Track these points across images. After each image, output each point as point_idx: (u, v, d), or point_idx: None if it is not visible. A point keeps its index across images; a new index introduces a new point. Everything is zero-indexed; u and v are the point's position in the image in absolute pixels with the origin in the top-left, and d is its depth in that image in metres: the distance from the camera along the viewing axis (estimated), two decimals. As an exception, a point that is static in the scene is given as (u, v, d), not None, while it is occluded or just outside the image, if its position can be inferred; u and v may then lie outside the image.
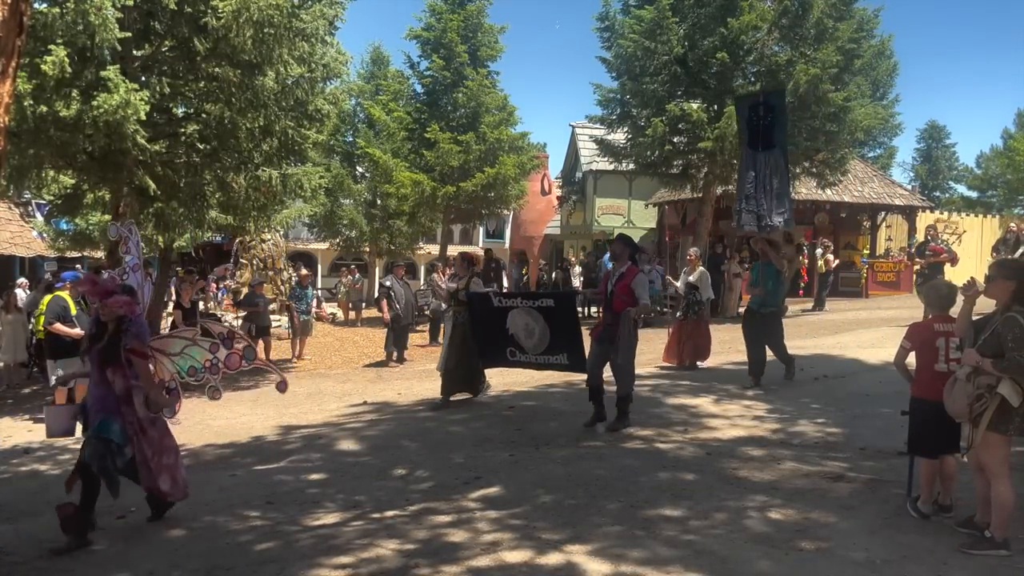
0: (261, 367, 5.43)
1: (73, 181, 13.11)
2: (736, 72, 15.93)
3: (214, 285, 21.04)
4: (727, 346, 11.40)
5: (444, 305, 9.14)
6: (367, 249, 26.39)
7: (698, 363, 10.23)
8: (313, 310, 15.25)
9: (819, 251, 18.49)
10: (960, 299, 4.42)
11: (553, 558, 4.12)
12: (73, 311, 9.10)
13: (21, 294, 14.49)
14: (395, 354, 13.25)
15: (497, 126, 19.80)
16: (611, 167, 21.82)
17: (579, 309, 10.72)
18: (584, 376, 7.34)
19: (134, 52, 10.77)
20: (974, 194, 47.25)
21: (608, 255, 17.20)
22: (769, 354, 8.71)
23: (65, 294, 9.25)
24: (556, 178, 31.17)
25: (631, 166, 19.15)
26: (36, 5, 8.94)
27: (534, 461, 6.14)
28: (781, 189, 9.26)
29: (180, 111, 11.74)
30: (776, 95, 10.04)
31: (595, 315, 12.09)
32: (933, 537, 4.29)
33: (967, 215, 26.20)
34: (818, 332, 13.39)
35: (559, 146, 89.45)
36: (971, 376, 4.08)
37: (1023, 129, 42.76)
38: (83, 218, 18.08)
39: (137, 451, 4.84)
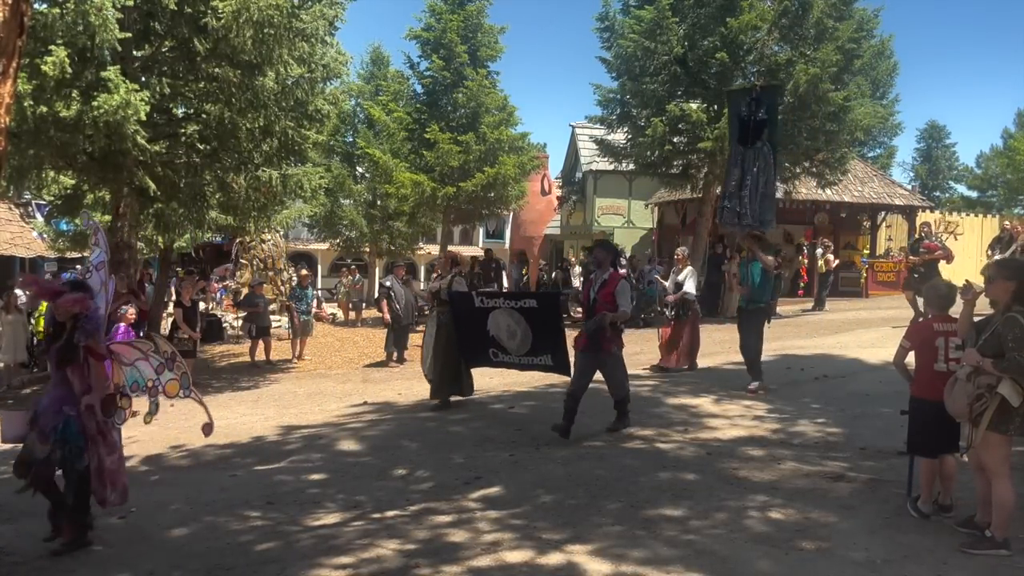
0: (195, 400, 5.21)
1: (73, 182, 13.12)
2: (736, 72, 15.93)
3: (215, 285, 21.02)
4: (727, 346, 11.40)
5: (428, 306, 9.04)
6: (367, 249, 26.40)
7: (696, 363, 10.18)
8: (313, 310, 15.25)
9: (819, 251, 18.48)
10: (960, 301, 4.42)
11: (554, 558, 4.12)
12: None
13: (21, 295, 14.50)
14: (395, 354, 13.24)
15: (497, 126, 19.80)
16: (611, 167, 21.82)
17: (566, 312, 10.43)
18: (568, 378, 7.22)
19: (134, 52, 10.78)
20: (974, 194, 47.29)
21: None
22: (768, 354, 8.68)
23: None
24: (556, 178, 31.18)
25: (631, 166, 19.15)
26: (36, 6, 8.94)
27: (534, 461, 6.14)
28: (767, 189, 9.06)
29: (180, 111, 11.75)
30: (770, 91, 9.84)
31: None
32: (933, 537, 4.30)
33: (967, 215, 26.21)
34: (818, 332, 13.39)
35: (559, 146, 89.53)
36: (971, 376, 4.08)
37: (1023, 129, 42.76)
38: (83, 219, 18.06)
39: (94, 457, 4.66)
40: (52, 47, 8.94)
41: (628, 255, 18.10)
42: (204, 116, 10.79)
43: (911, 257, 12.85)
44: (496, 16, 57.73)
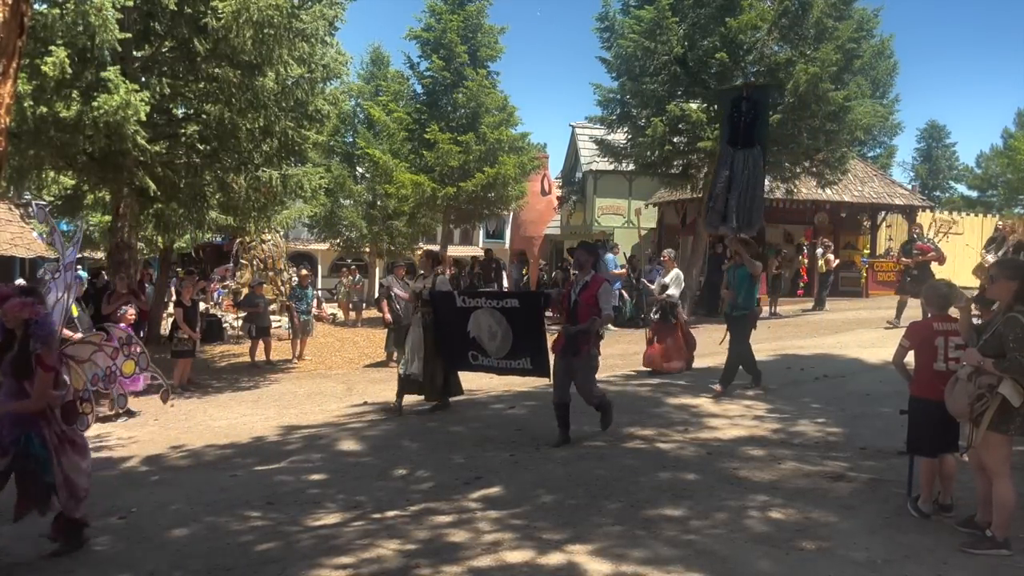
0: (153, 374, 5.14)
1: (73, 182, 13.13)
2: (736, 72, 15.92)
3: (217, 285, 21.02)
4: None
5: (411, 307, 8.78)
6: (367, 249, 26.40)
7: (679, 365, 10.01)
8: (313, 310, 15.25)
9: (819, 251, 18.48)
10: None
11: (554, 558, 4.12)
12: (75, 312, 9.10)
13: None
14: (395, 354, 13.18)
15: (497, 126, 19.80)
16: (611, 167, 21.81)
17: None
18: (547, 381, 7.13)
19: (134, 53, 10.79)
20: (974, 194, 47.26)
21: (608, 255, 17.23)
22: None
23: (66, 295, 9.24)
24: (556, 178, 31.16)
25: (631, 166, 19.14)
26: (36, 6, 8.96)
27: (535, 461, 6.14)
28: (756, 191, 8.86)
29: (180, 112, 11.77)
30: (760, 91, 9.64)
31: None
32: (933, 536, 4.30)
33: (967, 214, 26.21)
34: (818, 332, 13.39)
35: (559, 146, 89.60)
36: (972, 376, 4.08)
37: (1023, 128, 42.77)
38: (83, 219, 18.09)
39: (58, 471, 4.46)
40: (52, 47, 8.95)
41: (629, 255, 18.06)
42: (204, 116, 10.80)
43: (904, 259, 12.89)
44: (496, 16, 57.83)
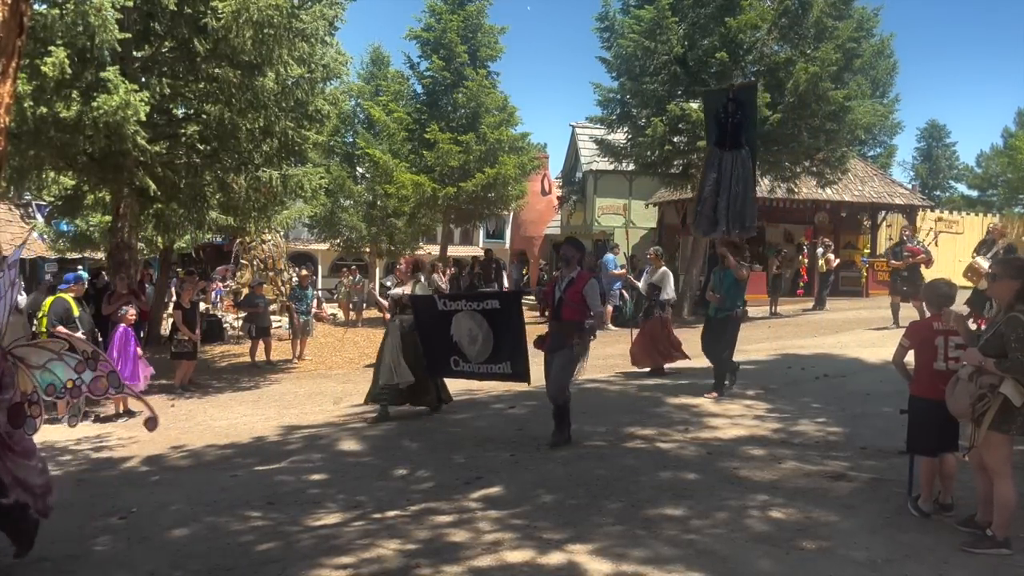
0: (131, 396, 4.77)
1: (73, 182, 13.13)
2: (736, 72, 15.92)
3: (217, 285, 21.03)
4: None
5: (389, 315, 8.65)
6: (367, 250, 26.39)
7: (665, 364, 9.85)
8: (313, 310, 15.25)
9: (820, 250, 18.48)
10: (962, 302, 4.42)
11: (555, 558, 4.12)
12: (76, 312, 9.11)
13: (21, 297, 14.48)
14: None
15: (497, 126, 19.80)
16: (611, 167, 21.81)
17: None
18: (527, 386, 7.05)
19: (134, 53, 10.79)
20: (974, 193, 47.26)
21: (609, 255, 17.24)
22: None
23: (68, 296, 9.25)
24: (556, 178, 31.15)
25: (631, 166, 19.15)
26: (36, 6, 8.96)
27: (535, 461, 6.14)
28: (746, 194, 8.67)
29: (180, 112, 11.77)
30: (746, 90, 9.47)
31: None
32: (934, 536, 4.29)
33: (967, 214, 26.20)
34: (819, 331, 13.39)
35: (559, 146, 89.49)
36: (973, 376, 4.08)
37: (1023, 128, 42.76)
38: (83, 219, 18.10)
39: (5, 472, 4.17)
40: (52, 47, 8.95)
41: (629, 255, 18.07)
42: (204, 116, 10.80)
43: (894, 262, 12.91)
44: (496, 16, 57.73)
